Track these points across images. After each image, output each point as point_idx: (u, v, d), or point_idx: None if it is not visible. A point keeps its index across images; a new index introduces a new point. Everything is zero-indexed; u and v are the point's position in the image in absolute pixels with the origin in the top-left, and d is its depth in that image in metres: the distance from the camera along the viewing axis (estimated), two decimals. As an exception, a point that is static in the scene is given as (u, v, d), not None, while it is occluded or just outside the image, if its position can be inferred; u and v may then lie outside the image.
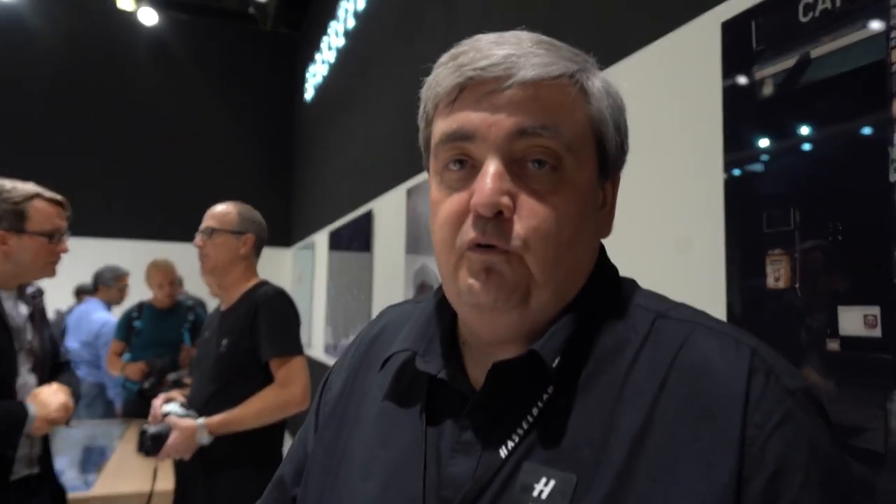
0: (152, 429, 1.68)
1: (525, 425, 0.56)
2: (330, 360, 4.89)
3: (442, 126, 0.58)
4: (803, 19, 1.20)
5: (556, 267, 0.57)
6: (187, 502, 1.86)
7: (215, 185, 6.92)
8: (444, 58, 0.61)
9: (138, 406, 3.70)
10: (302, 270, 6.77)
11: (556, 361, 0.55)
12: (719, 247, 1.33)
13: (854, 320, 1.09)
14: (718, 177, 1.35)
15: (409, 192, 3.32)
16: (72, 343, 4.21)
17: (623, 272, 0.66)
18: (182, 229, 6.69)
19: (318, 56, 6.18)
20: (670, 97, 1.51)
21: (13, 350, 1.64)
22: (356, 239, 4.44)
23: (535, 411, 0.56)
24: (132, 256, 5.30)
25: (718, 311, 1.29)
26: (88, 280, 4.68)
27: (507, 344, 0.59)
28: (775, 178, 1.24)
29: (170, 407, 1.75)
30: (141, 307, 3.82)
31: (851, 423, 1.07)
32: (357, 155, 4.73)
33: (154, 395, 1.90)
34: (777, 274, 1.23)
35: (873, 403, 1.05)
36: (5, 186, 1.68)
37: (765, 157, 1.26)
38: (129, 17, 6.79)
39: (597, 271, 0.62)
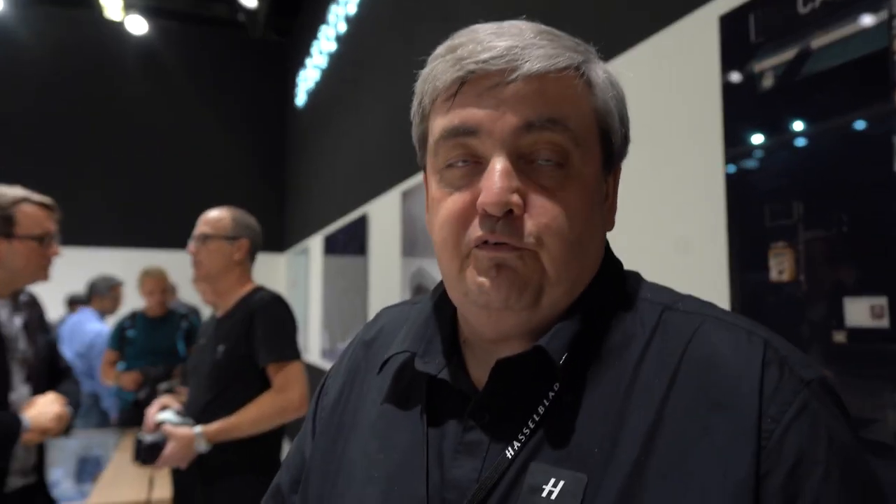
0: (148, 438, 1.66)
1: (531, 424, 0.54)
2: (327, 365, 4.86)
3: (442, 122, 0.56)
4: (803, 10, 1.19)
5: (569, 265, 0.55)
6: (186, 511, 1.83)
7: (207, 192, 6.88)
8: (441, 49, 0.58)
9: (133, 415, 3.66)
10: (296, 276, 6.73)
11: (563, 358, 0.54)
12: (721, 241, 1.32)
13: (861, 311, 1.08)
14: (719, 171, 1.34)
15: (404, 195, 3.31)
16: (65, 353, 4.16)
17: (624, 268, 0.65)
18: (174, 237, 6.66)
19: (308, 61, 6.16)
20: (669, 92, 1.50)
21: (6, 361, 1.61)
22: (351, 243, 4.42)
23: (540, 409, 0.54)
24: (124, 265, 5.26)
25: (721, 305, 1.28)
26: (79, 289, 4.64)
27: (512, 341, 0.58)
28: (777, 171, 1.23)
29: (165, 415, 1.72)
30: (134, 316, 3.79)
31: (859, 414, 1.06)
32: (350, 159, 4.71)
33: (149, 404, 1.87)
34: (781, 267, 1.22)
35: (881, 395, 1.04)
36: None
37: (766, 151, 1.26)
38: (118, 27, 6.75)
39: (603, 266, 0.61)
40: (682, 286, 0.62)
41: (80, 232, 5.63)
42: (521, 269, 0.53)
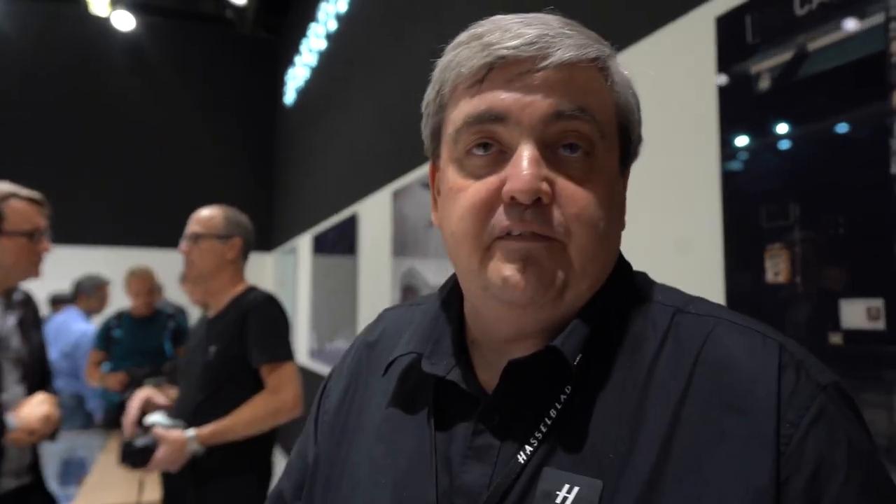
0: (139, 441, 1.63)
1: (543, 428, 0.53)
2: (315, 365, 4.83)
3: (466, 108, 0.54)
4: (800, 12, 1.19)
5: (595, 259, 0.54)
6: (177, 514, 1.81)
7: (194, 190, 6.82)
8: (463, 37, 0.57)
9: (119, 417, 3.61)
10: (284, 275, 6.69)
11: (578, 359, 0.53)
12: (717, 242, 1.32)
13: (857, 313, 1.08)
14: (715, 172, 1.34)
15: (395, 195, 3.29)
16: (50, 353, 4.10)
17: None
18: (161, 236, 6.60)
19: (297, 59, 6.13)
20: (665, 93, 1.50)
21: None
22: (340, 242, 4.39)
23: (552, 412, 0.53)
24: (109, 264, 5.20)
25: (718, 307, 1.28)
26: (64, 289, 4.57)
27: (526, 339, 0.56)
28: (773, 172, 1.23)
29: (156, 418, 1.70)
30: (120, 316, 3.74)
31: (856, 416, 1.06)
32: (340, 158, 4.68)
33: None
34: (777, 269, 1.22)
35: (877, 396, 1.04)
36: None
37: (762, 152, 1.26)
38: (104, 23, 6.66)
39: (616, 265, 0.60)
40: (677, 287, 0.62)
41: (64, 230, 5.55)
42: (548, 262, 0.52)
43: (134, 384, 3.44)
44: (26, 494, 1.65)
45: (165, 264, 4.35)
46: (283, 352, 1.78)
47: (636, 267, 0.64)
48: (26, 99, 6.62)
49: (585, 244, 0.52)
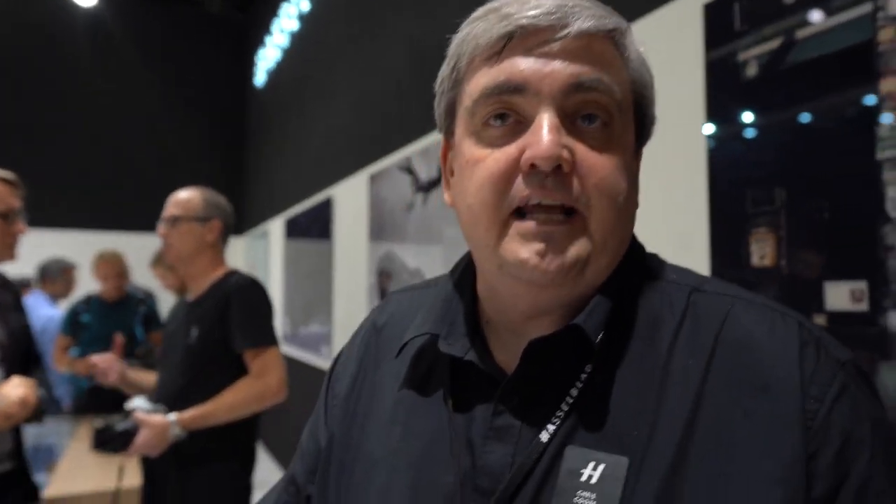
0: (120, 425, 1.60)
1: (565, 406, 0.53)
2: (287, 349, 4.79)
3: (484, 80, 0.53)
4: (788, 0, 1.21)
5: (614, 232, 0.53)
6: (159, 499, 1.78)
7: (161, 173, 6.67)
8: (480, 11, 0.56)
9: (88, 403, 3.54)
10: (255, 259, 6.60)
11: (600, 337, 0.53)
12: (703, 226, 1.35)
13: (841, 295, 1.12)
14: (702, 157, 1.36)
15: (372, 178, 3.26)
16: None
17: None
18: (127, 219, 6.45)
19: (268, 40, 5.99)
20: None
21: None
22: (315, 226, 4.34)
23: (573, 391, 0.53)
24: (74, 247, 5.05)
25: (704, 290, 1.31)
26: (29, 273, 4.43)
27: (543, 317, 0.56)
28: (759, 158, 1.25)
29: (137, 402, 1.67)
30: (89, 300, 3.64)
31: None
32: (315, 141, 4.62)
33: (105, 391, 1.78)
34: (762, 252, 1.25)
35: (858, 376, 1.08)
36: None
37: (749, 138, 1.28)
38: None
39: (630, 244, 0.60)
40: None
41: (29, 213, 5.38)
42: (569, 243, 0.51)
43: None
44: (9, 481, 1.60)
45: (131, 248, 4.24)
46: (267, 336, 1.76)
47: None
48: (-17, 77, 6.36)
49: (606, 216, 0.52)
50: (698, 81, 1.37)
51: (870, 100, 1.07)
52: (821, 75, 1.15)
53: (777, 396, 0.48)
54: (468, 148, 0.55)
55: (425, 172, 2.62)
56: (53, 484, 2.35)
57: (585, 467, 0.50)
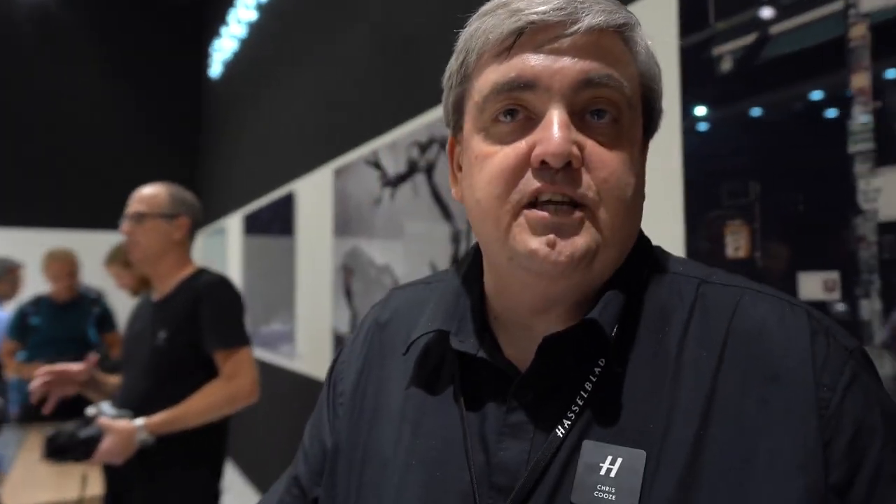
0: (83, 432, 1.53)
1: (580, 401, 0.53)
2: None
3: (493, 76, 0.54)
4: (761, -4, 1.23)
5: (622, 226, 0.54)
6: (123, 508, 1.71)
7: (112, 167, 6.43)
8: (488, 6, 0.56)
9: (38, 410, 3.39)
10: (211, 257, 6.44)
11: (615, 331, 0.53)
12: (679, 218, 1.37)
13: (814, 285, 1.15)
14: (677, 150, 1.38)
15: (337, 173, 3.21)
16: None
17: None
18: (75, 216, 6.20)
19: (224, 30, 5.84)
20: (626, 73, 1.52)
21: None
22: (275, 222, 4.26)
23: (588, 386, 0.53)
24: (19, 246, 4.82)
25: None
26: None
27: (552, 311, 0.56)
28: (734, 151, 1.28)
29: (101, 407, 1.60)
30: (38, 302, 3.49)
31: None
32: (275, 134, 4.52)
33: (56, 398, 1.68)
34: (737, 244, 1.27)
35: (831, 363, 1.11)
36: None
37: (724, 132, 1.30)
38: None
39: (637, 237, 0.61)
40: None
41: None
42: (578, 234, 0.52)
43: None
44: None
45: (79, 246, 4.08)
46: (239, 336, 1.71)
47: None
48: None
49: (614, 210, 0.53)
50: (673, 75, 1.39)
51: (841, 95, 1.10)
52: (794, 70, 1.18)
53: (791, 386, 0.49)
54: (477, 144, 0.55)
55: (393, 167, 2.59)
56: (6, 496, 2.24)
57: (603, 461, 0.50)
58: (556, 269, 0.52)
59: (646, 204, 0.58)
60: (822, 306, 1.13)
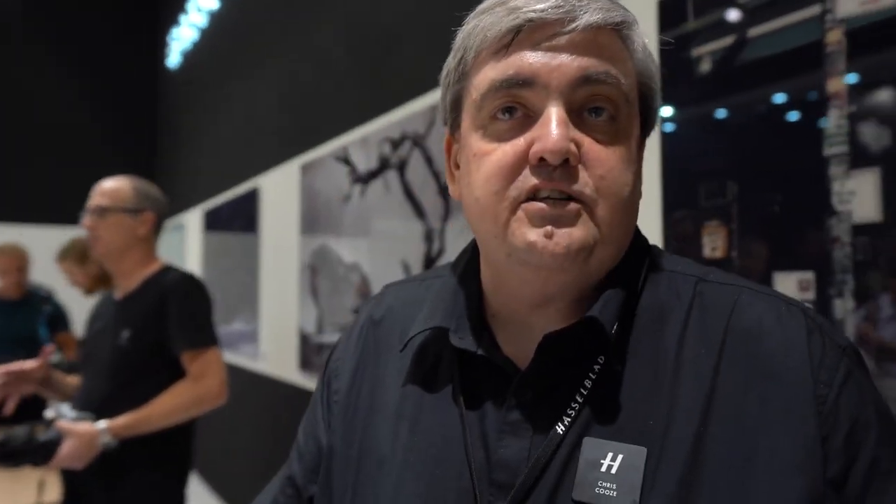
0: (43, 436, 1.46)
1: (579, 398, 0.53)
2: (210, 349, 4.57)
3: (491, 73, 0.54)
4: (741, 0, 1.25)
5: (619, 224, 0.55)
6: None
7: (63, 160, 6.19)
8: (486, 4, 0.56)
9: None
10: (169, 254, 6.26)
11: (615, 329, 0.53)
12: (656, 218, 1.38)
13: (789, 285, 1.17)
14: (656, 151, 1.39)
15: (304, 169, 3.16)
16: None
17: None
18: (24, 210, 5.93)
19: (183, 18, 5.67)
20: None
21: None
22: (238, 219, 4.16)
23: (587, 383, 0.54)
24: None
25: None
26: None
27: (550, 307, 0.56)
28: (712, 153, 1.30)
29: (60, 409, 1.53)
30: (-16, 299, 3.33)
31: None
32: (237, 128, 4.42)
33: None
34: (714, 244, 1.29)
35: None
36: None
37: (702, 133, 1.32)
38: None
39: (634, 235, 0.61)
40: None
41: None
42: (575, 225, 0.52)
43: None
44: None
45: (27, 241, 3.91)
46: (207, 336, 1.66)
47: None
48: None
49: (611, 208, 0.53)
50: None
51: (817, 98, 1.13)
52: (772, 73, 1.20)
53: (790, 384, 0.50)
54: (476, 141, 0.56)
55: (364, 163, 2.55)
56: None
57: (604, 458, 0.50)
58: (554, 260, 0.52)
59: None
60: (797, 306, 1.15)
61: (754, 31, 1.22)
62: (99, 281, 3.16)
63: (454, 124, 0.61)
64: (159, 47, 6.84)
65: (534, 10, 0.52)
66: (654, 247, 0.64)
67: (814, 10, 1.13)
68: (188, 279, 1.71)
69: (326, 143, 2.92)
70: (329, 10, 2.99)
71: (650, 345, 0.54)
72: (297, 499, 0.67)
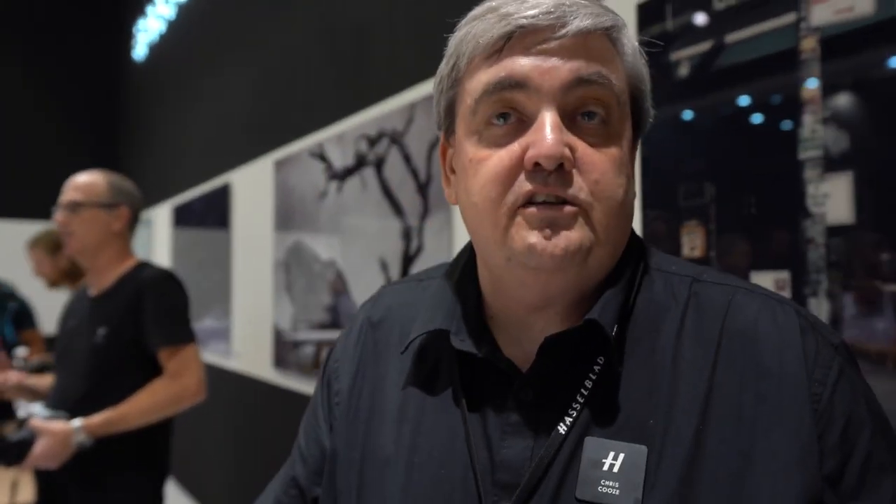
0: (15, 435, 1.42)
1: (580, 398, 0.54)
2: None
3: (485, 77, 0.55)
4: (719, 6, 1.29)
5: (615, 226, 0.56)
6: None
7: (26, 154, 6.01)
8: (478, 11, 0.57)
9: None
10: (137, 250, 6.12)
11: (615, 330, 0.54)
12: (636, 218, 1.41)
13: (765, 284, 1.21)
14: (636, 152, 1.42)
15: (278, 165, 3.12)
16: None
17: None
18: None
19: (150, 9, 5.54)
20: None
21: None
22: (209, 214, 4.09)
23: (588, 384, 0.55)
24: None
25: (637, 279, 1.37)
26: None
27: (549, 309, 0.57)
28: (691, 154, 1.33)
29: (33, 408, 1.49)
30: (-56, 295, 3.22)
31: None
32: (208, 123, 4.34)
33: None
34: (693, 244, 1.32)
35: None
36: None
37: (681, 135, 1.35)
38: None
39: (630, 236, 0.62)
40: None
41: None
42: (572, 227, 0.53)
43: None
44: None
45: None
46: (185, 333, 1.64)
47: None
48: None
49: (607, 211, 0.54)
50: (631, 79, 1.42)
51: (792, 104, 1.16)
52: (748, 78, 1.23)
53: (786, 382, 0.52)
54: (471, 147, 0.57)
55: (340, 160, 2.54)
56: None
57: (606, 457, 0.52)
58: (552, 261, 0.53)
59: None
60: (771, 304, 1.19)
61: (731, 38, 1.26)
62: (66, 276, 3.08)
63: (448, 130, 0.62)
64: (125, 39, 6.67)
65: (525, 17, 0.53)
66: (649, 247, 0.65)
67: (789, 17, 1.17)
68: (165, 275, 1.69)
69: (301, 139, 2.90)
70: (306, 4, 2.96)
71: (648, 345, 0.55)
72: (301, 500, 0.67)
